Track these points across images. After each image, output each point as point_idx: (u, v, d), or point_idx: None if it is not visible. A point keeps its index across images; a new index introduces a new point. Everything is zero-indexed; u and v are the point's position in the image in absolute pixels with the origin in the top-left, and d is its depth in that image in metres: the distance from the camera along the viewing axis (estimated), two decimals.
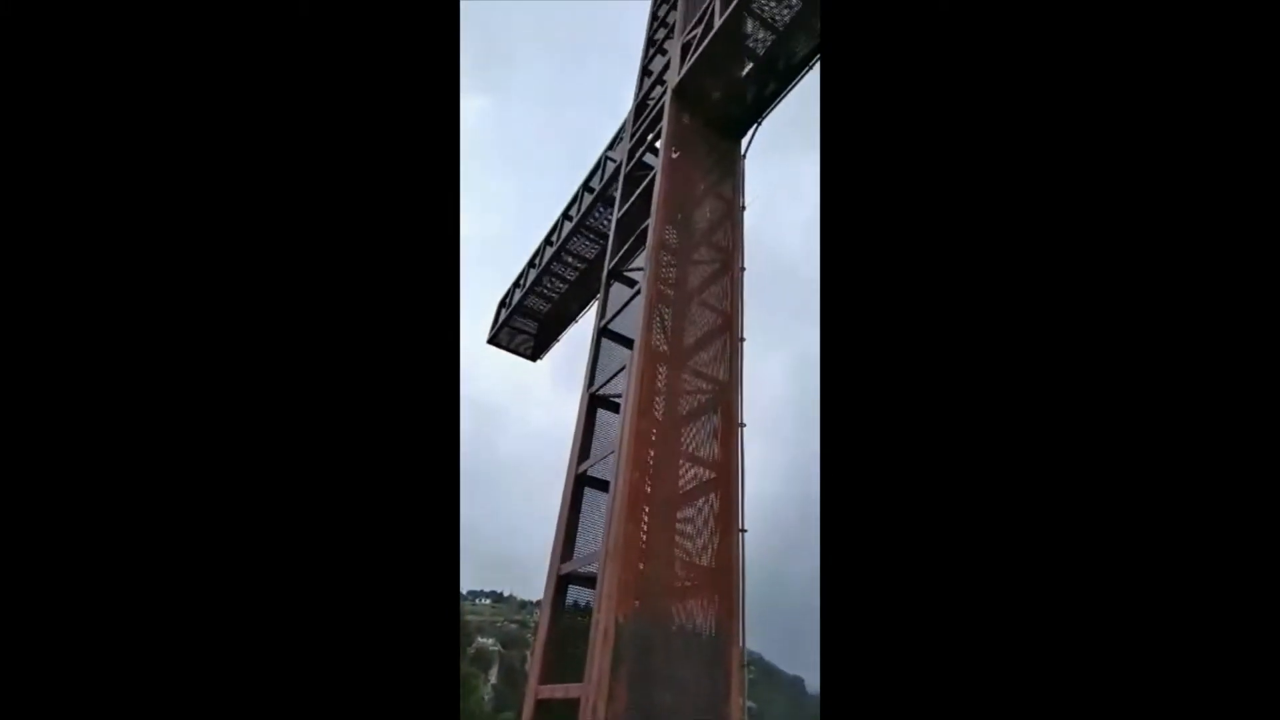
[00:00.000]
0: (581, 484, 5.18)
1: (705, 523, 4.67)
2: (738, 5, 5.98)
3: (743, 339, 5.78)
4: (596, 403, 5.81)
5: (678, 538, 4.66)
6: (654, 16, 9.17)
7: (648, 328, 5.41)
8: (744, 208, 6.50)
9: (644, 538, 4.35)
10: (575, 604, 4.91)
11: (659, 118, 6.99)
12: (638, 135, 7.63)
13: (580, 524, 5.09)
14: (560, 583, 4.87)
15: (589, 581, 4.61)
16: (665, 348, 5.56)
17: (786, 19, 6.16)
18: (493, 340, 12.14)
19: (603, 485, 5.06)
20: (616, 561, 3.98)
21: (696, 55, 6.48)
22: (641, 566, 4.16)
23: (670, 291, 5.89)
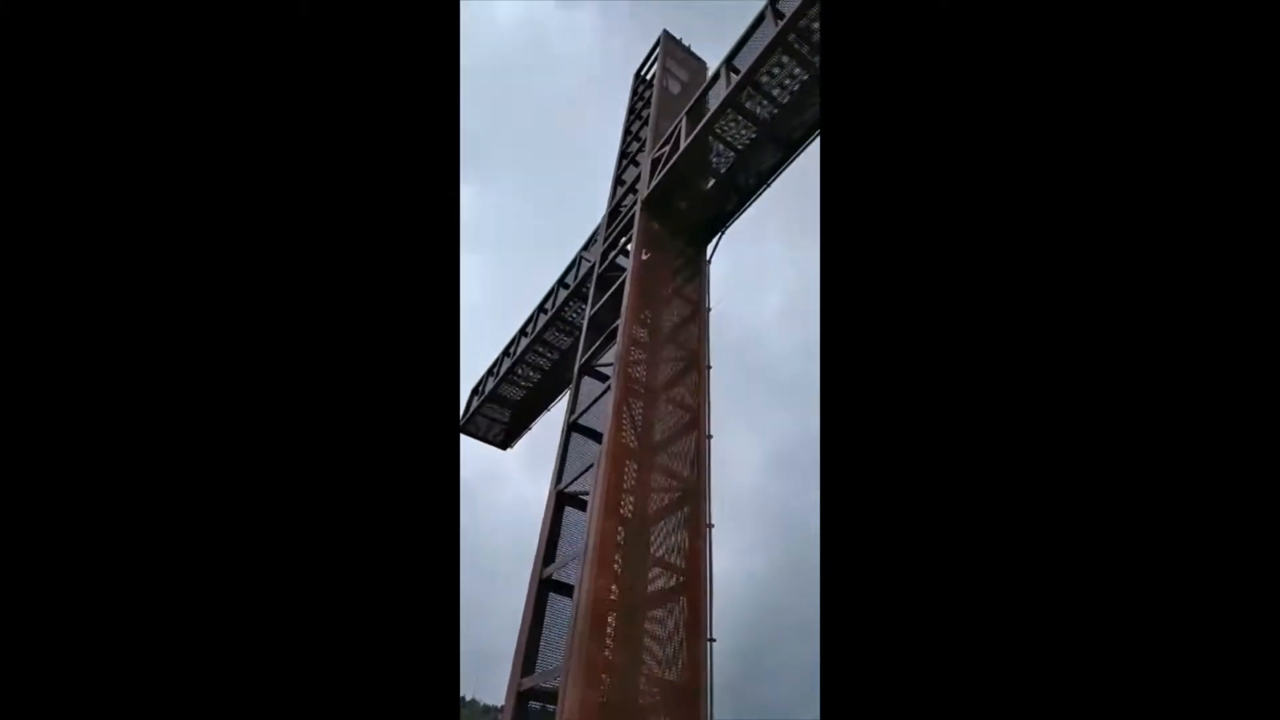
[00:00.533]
0: (545, 589, 5.02)
1: (673, 631, 4.54)
2: (702, 129, 6.57)
3: (710, 436, 5.87)
4: (564, 500, 5.75)
5: (645, 644, 4.50)
6: (627, 131, 9.97)
7: (616, 423, 5.48)
8: (710, 309, 6.80)
9: (609, 650, 4.19)
10: (544, 707, 4.64)
11: (630, 224, 7.43)
12: (610, 239, 8.06)
13: (544, 632, 4.89)
14: (520, 699, 4.61)
15: (551, 696, 4.38)
16: (634, 443, 5.61)
17: (746, 141, 6.77)
18: (464, 429, 12.02)
19: (567, 590, 4.91)
20: (579, 681, 3.81)
21: (664, 171, 7.01)
22: (605, 681, 3.98)
23: (640, 388, 6.03)
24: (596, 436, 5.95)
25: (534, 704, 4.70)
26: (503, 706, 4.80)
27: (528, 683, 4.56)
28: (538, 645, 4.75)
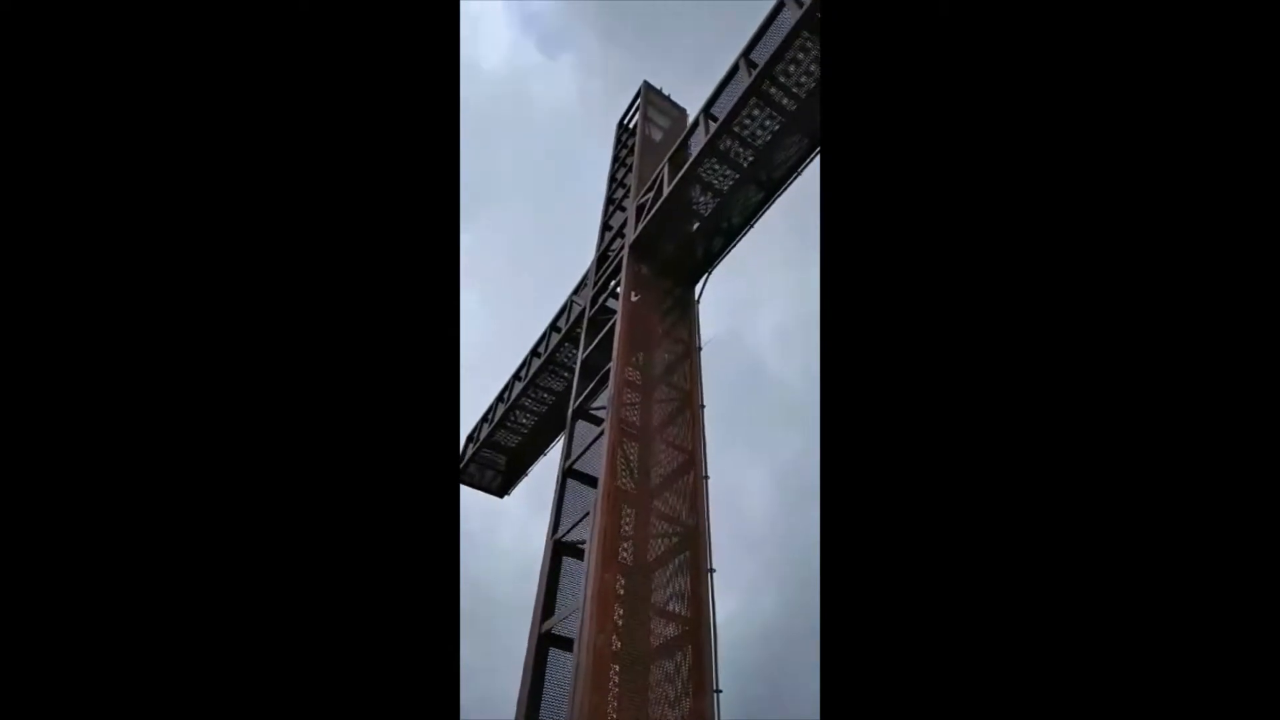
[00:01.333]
0: (545, 644, 4.89)
1: (678, 683, 4.41)
2: (684, 175, 6.74)
3: (706, 476, 5.83)
4: (561, 550, 5.66)
5: (650, 698, 4.36)
6: (612, 178, 10.22)
7: (612, 468, 5.44)
8: (700, 348, 6.85)
9: (613, 707, 4.07)
10: None
11: (619, 268, 7.54)
12: (600, 283, 8.16)
13: (545, 690, 4.74)
14: None
15: None
16: (630, 487, 5.56)
17: (728, 184, 6.94)
18: (459, 478, 11.89)
19: (568, 644, 4.79)
20: None
21: (649, 217, 7.16)
22: None
23: (634, 430, 6.01)
24: (592, 482, 5.90)
25: None
26: None
27: None
28: (539, 704, 4.60)
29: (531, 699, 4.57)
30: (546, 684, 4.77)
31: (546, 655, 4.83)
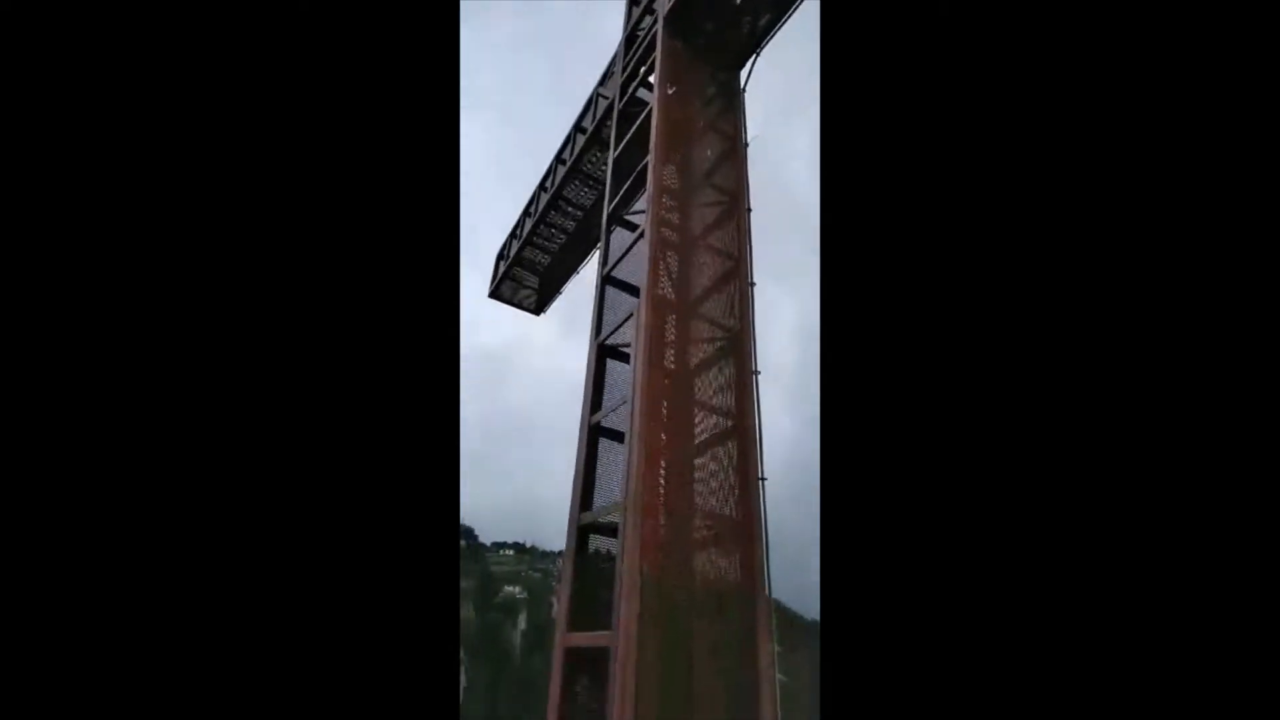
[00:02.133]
0: (596, 435, 5.14)
1: (724, 472, 4.64)
2: None
3: (753, 283, 5.60)
4: (605, 352, 5.70)
5: (697, 488, 4.65)
6: None
7: (653, 276, 5.23)
8: (747, 144, 6.16)
9: (663, 490, 4.33)
10: (598, 550, 4.96)
11: (651, 49, 6.56)
12: (629, 68, 7.19)
13: (598, 475, 5.08)
14: (581, 533, 4.90)
15: (610, 531, 4.64)
16: (672, 295, 5.40)
17: None
18: (494, 294, 11.96)
19: (618, 436, 5.01)
20: (636, 513, 3.96)
21: None
22: (662, 518, 4.15)
23: (674, 236, 5.67)
24: (632, 290, 5.73)
25: (592, 549, 4.97)
26: (561, 551, 5.16)
27: (587, 518, 4.82)
28: (593, 485, 4.96)
29: (586, 479, 4.91)
30: (599, 471, 5.10)
31: (598, 444, 5.09)
